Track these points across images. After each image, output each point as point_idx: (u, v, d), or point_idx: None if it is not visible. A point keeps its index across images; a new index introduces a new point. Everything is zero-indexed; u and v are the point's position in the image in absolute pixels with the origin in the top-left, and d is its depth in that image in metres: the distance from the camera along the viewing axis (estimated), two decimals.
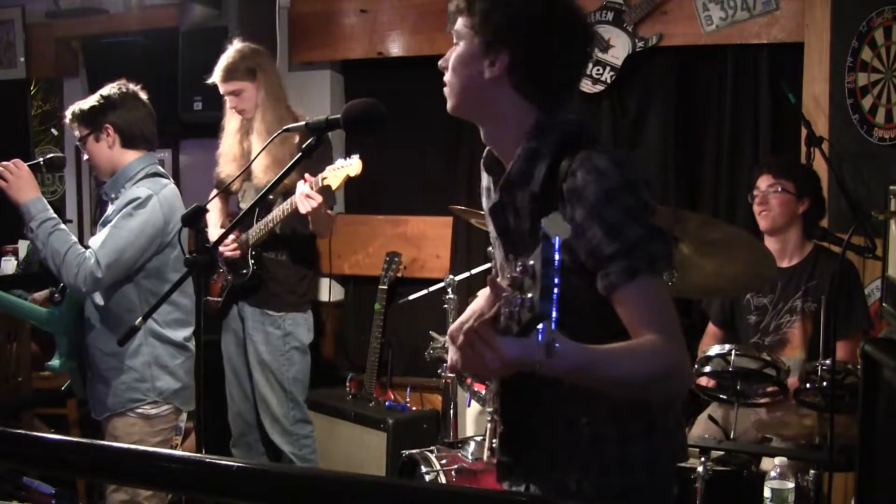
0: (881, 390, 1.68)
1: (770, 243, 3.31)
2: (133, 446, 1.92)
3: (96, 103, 3.03)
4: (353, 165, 3.38)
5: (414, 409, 4.32)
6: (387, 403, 4.29)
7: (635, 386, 1.58)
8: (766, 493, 2.77)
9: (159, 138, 3.18)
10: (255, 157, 3.30)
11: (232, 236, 3.74)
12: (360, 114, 2.08)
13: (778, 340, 3.35)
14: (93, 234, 3.28)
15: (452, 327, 1.70)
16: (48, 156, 3.18)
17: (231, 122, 3.89)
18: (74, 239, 2.95)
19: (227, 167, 3.89)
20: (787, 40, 3.87)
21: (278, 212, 3.64)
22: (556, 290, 1.24)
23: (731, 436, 2.90)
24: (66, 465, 1.37)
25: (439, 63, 1.79)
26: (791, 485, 2.77)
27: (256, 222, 3.74)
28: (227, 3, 4.51)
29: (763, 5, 3.87)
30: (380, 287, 4.43)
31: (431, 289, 4.05)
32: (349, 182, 3.47)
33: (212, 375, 3.83)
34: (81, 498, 4.06)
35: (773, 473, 2.80)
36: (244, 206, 3.94)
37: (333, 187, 3.43)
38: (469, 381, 3.53)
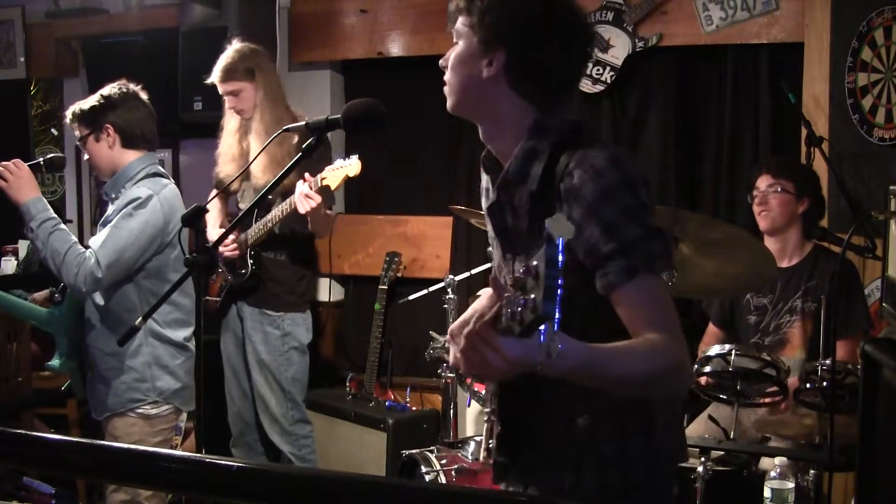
0: (881, 390, 1.68)
1: (770, 243, 3.31)
2: (133, 446, 1.92)
3: (97, 103, 3.04)
4: (352, 166, 3.38)
5: (414, 409, 4.32)
6: (387, 403, 4.29)
7: (635, 384, 1.58)
8: (766, 493, 2.77)
9: (159, 138, 3.18)
10: (255, 158, 3.30)
11: (232, 236, 3.75)
12: (360, 114, 2.08)
13: (778, 340, 3.35)
14: (93, 234, 3.28)
15: (454, 325, 1.70)
16: (48, 156, 3.18)
17: (230, 121, 3.89)
18: (74, 239, 2.95)
19: (225, 167, 3.90)
20: (787, 40, 3.87)
21: (277, 212, 3.64)
22: (559, 292, 1.24)
23: (731, 436, 2.90)
24: (66, 465, 1.37)
25: (440, 62, 1.79)
26: (791, 485, 2.77)
27: (255, 222, 3.74)
28: (227, 3, 4.51)
29: (763, 5, 3.87)
30: (380, 287, 4.43)
31: (431, 289, 4.05)
32: (349, 182, 3.47)
33: (212, 375, 3.83)
34: (81, 498, 4.06)
35: (773, 473, 2.80)
36: (243, 206, 3.94)
37: (332, 187, 3.43)
38: (469, 381, 3.53)
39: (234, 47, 3.80)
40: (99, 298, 3.02)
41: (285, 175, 2.14)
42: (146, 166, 3.07)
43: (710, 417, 3.11)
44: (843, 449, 2.59)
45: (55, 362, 3.13)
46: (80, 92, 5.04)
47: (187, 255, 2.07)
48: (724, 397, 3.10)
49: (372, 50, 4.73)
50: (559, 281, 1.24)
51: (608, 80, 4.12)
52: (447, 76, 1.77)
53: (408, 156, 4.79)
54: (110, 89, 3.06)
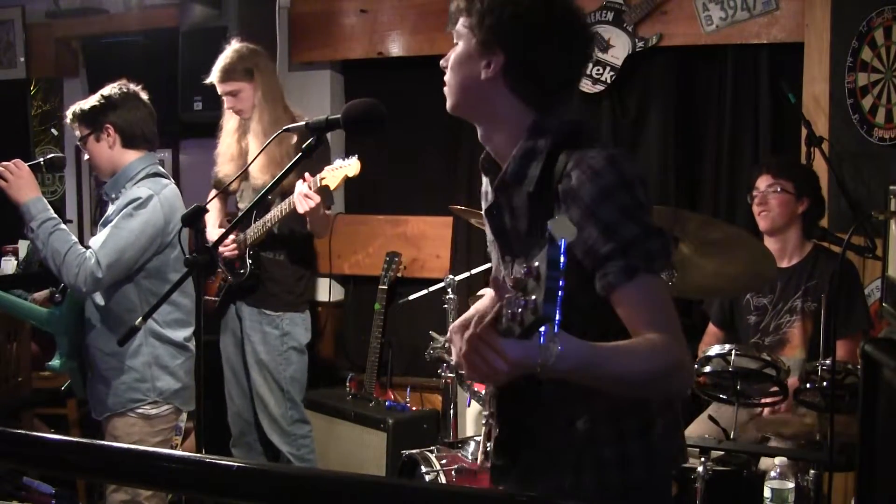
0: (881, 390, 1.68)
1: (770, 243, 3.31)
2: (133, 446, 1.92)
3: (97, 103, 3.04)
4: (351, 166, 3.39)
5: (414, 409, 4.32)
6: (387, 403, 4.29)
7: (636, 384, 1.57)
8: (766, 493, 2.77)
9: (159, 138, 3.18)
10: (255, 159, 3.30)
11: (231, 236, 3.75)
12: (360, 114, 2.08)
13: (778, 340, 3.35)
14: (93, 234, 3.28)
15: (454, 324, 1.70)
16: (48, 156, 3.18)
17: (229, 121, 3.89)
18: (75, 239, 2.95)
19: (224, 167, 3.90)
20: (787, 40, 3.87)
21: (276, 211, 3.64)
22: (560, 293, 1.24)
23: (731, 436, 2.90)
24: (66, 465, 1.37)
25: (441, 63, 1.79)
26: (791, 485, 2.77)
27: (254, 222, 3.74)
28: (227, 3, 4.51)
29: (763, 5, 3.87)
30: (380, 287, 4.43)
31: (431, 289, 4.05)
32: (349, 182, 3.47)
33: (211, 375, 3.83)
34: (81, 498, 4.06)
35: (773, 473, 2.80)
36: (242, 206, 3.94)
37: (332, 187, 3.43)
38: (469, 381, 3.53)
39: (232, 47, 3.80)
40: (99, 298, 3.02)
41: (285, 175, 2.14)
42: (146, 166, 3.07)
43: (710, 417, 3.11)
44: (843, 449, 2.59)
45: (55, 362, 3.13)
46: (80, 92, 5.04)
47: (187, 255, 2.07)
48: (724, 397, 3.10)
49: (372, 50, 4.73)
50: (560, 282, 1.23)
51: (608, 80, 4.13)
52: (447, 77, 1.77)
53: (408, 156, 4.79)
54: (110, 89, 3.06)
